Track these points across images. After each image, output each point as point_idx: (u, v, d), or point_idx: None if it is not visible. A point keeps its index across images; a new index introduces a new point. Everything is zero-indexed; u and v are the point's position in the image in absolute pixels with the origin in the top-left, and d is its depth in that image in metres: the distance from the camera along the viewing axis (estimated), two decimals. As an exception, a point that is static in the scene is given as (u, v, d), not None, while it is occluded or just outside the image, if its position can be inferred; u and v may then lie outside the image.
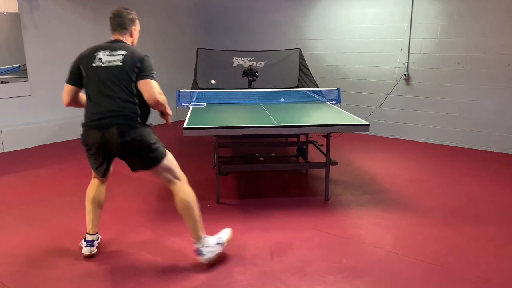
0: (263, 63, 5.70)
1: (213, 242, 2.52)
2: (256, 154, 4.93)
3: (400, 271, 2.52)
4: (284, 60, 5.74)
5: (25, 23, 5.41)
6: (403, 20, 5.74)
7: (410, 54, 5.76)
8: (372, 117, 6.10)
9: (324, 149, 3.73)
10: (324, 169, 3.64)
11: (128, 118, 2.34)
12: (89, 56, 2.44)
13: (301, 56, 5.66)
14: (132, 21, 2.56)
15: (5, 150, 5.21)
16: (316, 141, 4.36)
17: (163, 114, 2.55)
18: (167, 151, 2.48)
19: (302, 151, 4.55)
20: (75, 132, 5.98)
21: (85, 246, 2.62)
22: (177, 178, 2.49)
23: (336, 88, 4.48)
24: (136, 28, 2.60)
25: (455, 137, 5.58)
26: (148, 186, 3.93)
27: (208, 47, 6.37)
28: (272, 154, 5.09)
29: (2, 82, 5.36)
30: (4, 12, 5.30)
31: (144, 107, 2.42)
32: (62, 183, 4.03)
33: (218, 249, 2.53)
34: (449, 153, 5.23)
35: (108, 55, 2.40)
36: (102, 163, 2.51)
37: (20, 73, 5.49)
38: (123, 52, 2.40)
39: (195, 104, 4.12)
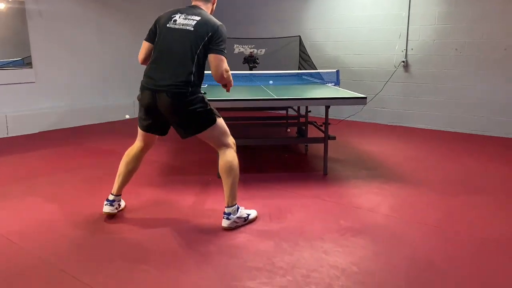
0: (263, 50, 5.79)
1: (241, 215, 2.60)
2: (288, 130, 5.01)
3: (398, 231, 2.58)
4: (284, 47, 5.83)
5: (30, 11, 5.51)
6: (401, 8, 5.82)
7: (408, 41, 5.83)
8: (371, 104, 6.16)
9: (324, 128, 3.79)
10: (323, 144, 3.70)
11: (181, 86, 2.36)
12: (166, 17, 2.49)
13: (301, 43, 5.74)
14: None
15: (10, 135, 5.29)
16: (315, 122, 4.43)
17: (225, 85, 2.58)
18: (218, 117, 2.52)
19: (302, 132, 4.62)
20: (78, 119, 6.16)
21: (105, 205, 2.68)
22: (225, 145, 2.56)
23: (335, 70, 4.56)
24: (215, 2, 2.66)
25: (454, 122, 5.64)
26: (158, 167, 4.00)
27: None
28: (288, 130, 5.18)
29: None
30: (9, 0, 5.40)
31: (200, 75, 2.44)
32: (67, 162, 4.10)
33: (241, 223, 2.59)
34: (448, 138, 5.29)
35: (183, 18, 2.44)
36: (151, 124, 2.57)
37: (23, 66, 5.57)
38: (197, 18, 2.43)
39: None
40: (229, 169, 2.51)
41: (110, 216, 2.71)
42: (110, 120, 6.38)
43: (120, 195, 2.74)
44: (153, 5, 6.88)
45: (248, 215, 2.65)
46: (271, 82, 4.40)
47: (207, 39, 2.38)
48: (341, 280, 2.01)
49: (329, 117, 3.67)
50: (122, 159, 2.70)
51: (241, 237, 2.47)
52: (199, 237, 2.48)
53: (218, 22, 2.44)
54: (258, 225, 2.63)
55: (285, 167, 3.97)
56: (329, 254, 2.26)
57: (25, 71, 5.56)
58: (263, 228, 2.59)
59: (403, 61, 5.88)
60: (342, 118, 6.21)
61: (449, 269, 2.12)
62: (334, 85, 4.53)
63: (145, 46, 2.57)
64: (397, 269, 2.12)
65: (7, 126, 5.28)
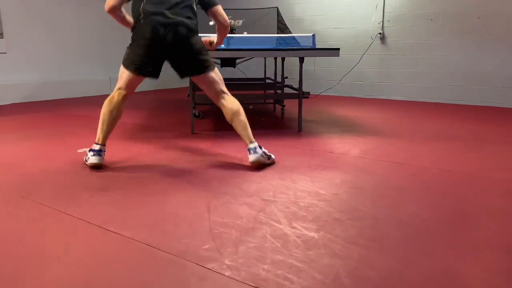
0: (240, 21, 5.74)
1: (265, 151, 2.60)
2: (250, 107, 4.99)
3: (366, 167, 2.58)
4: (261, 18, 5.79)
5: (1, -21, 5.37)
6: (377, -20, 5.86)
7: (385, 13, 5.87)
8: (348, 78, 6.20)
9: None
10: (297, 100, 3.69)
11: (190, 24, 2.48)
12: None
13: (278, 14, 5.72)
14: None
15: (-20, 106, 5.15)
16: (291, 84, 4.42)
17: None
18: (216, 67, 2.64)
19: (278, 97, 4.60)
20: (52, 92, 6.04)
21: (92, 155, 2.50)
22: (224, 92, 2.64)
23: (310, 34, 4.55)
24: None
25: (431, 93, 5.70)
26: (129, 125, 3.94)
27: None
28: (250, 107, 5.15)
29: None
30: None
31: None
32: (36, 123, 4.01)
33: (266, 160, 2.56)
34: (425, 108, 5.34)
35: None
36: (149, 64, 2.50)
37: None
38: None
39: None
40: (236, 113, 2.58)
41: (97, 167, 2.51)
42: (85, 95, 6.28)
43: (105, 144, 2.57)
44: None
45: (270, 154, 2.64)
46: (245, 33, 4.38)
47: None
48: (306, 199, 2.00)
49: (304, 91, 3.67)
50: (104, 107, 2.55)
51: (213, 172, 2.44)
52: (172, 171, 2.44)
53: None
54: (229, 165, 2.61)
55: (261, 127, 3.95)
56: (297, 182, 2.25)
57: (-4, 41, 5.42)
58: (235, 167, 2.57)
59: (380, 33, 5.92)
60: (318, 93, 6.22)
61: (410, 188, 2.13)
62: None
63: None
64: (362, 191, 2.12)
65: (-23, 96, 5.14)
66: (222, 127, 3.88)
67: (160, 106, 5.33)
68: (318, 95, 6.23)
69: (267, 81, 5.59)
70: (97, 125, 2.55)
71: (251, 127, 2.58)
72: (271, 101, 5.20)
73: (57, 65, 6.08)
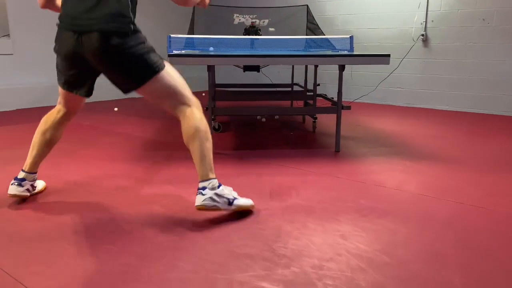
0: (266, 21, 5.19)
1: (223, 193, 1.83)
2: (258, 117, 4.45)
3: (431, 211, 1.99)
4: (290, 17, 5.23)
5: (7, -26, 4.95)
6: (421, -25, 5.22)
7: (428, 12, 5.22)
8: (384, 84, 5.58)
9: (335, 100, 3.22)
10: (334, 122, 3.12)
11: (117, 21, 1.71)
12: None
13: (308, 13, 5.14)
14: None
15: (-17, 111, 4.74)
16: (325, 94, 3.85)
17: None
18: (166, 63, 1.85)
19: (312, 112, 4.03)
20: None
21: (11, 184, 2.01)
22: (185, 103, 1.85)
23: (348, 36, 3.97)
24: None
25: (479, 103, 5.04)
26: (134, 139, 3.43)
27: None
28: (276, 116, 4.60)
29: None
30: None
31: (134, 6, 1.78)
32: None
33: (222, 205, 1.83)
34: (473, 119, 4.69)
35: None
36: (73, 79, 1.91)
37: None
38: None
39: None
40: (196, 132, 1.80)
41: (20, 200, 2.05)
42: (96, 100, 5.82)
43: (35, 172, 2.07)
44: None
45: (235, 198, 1.87)
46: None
47: None
48: (368, 273, 1.43)
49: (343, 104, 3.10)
50: (38, 127, 2.09)
51: (229, 217, 1.89)
52: (170, 218, 1.91)
53: None
54: (255, 204, 2.05)
55: (290, 145, 3.39)
56: (349, 239, 1.68)
57: (1, 41, 5.00)
58: (262, 207, 2.02)
59: (422, 35, 5.27)
60: (351, 100, 5.62)
61: (503, 251, 1.54)
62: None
63: None
64: (442, 259, 1.53)
65: (-21, 102, 4.73)
66: (247, 141, 3.33)
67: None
68: (351, 102, 5.62)
69: (295, 87, 5.04)
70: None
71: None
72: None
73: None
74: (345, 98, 5.77)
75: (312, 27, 5.02)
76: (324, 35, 4.76)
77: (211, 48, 4.12)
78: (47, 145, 2.07)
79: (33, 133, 2.11)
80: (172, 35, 3.80)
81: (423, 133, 3.87)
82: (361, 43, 5.76)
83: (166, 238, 1.68)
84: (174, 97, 1.84)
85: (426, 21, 5.24)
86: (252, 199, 2.00)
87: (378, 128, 4.07)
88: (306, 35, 5.24)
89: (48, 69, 5.40)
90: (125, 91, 1.84)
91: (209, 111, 3.07)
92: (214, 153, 2.00)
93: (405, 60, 5.45)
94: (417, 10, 5.26)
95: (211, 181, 1.81)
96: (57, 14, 1.87)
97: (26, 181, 2.03)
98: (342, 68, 2.95)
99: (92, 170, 2.59)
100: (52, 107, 2.18)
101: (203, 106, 2.04)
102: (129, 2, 1.74)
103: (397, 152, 3.12)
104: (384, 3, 5.53)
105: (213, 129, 3.19)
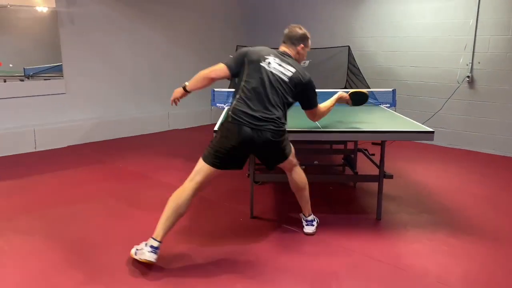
0: (307, 62, 5.20)
1: (318, 223, 2.92)
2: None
3: (476, 319, 1.97)
4: (331, 58, 5.23)
5: (62, 19, 5.23)
6: (468, 15, 5.08)
7: (475, 53, 5.09)
8: (429, 123, 5.45)
9: (376, 158, 3.22)
10: (377, 183, 3.12)
11: (278, 125, 2.47)
12: (258, 54, 2.52)
13: (350, 54, 5.13)
14: (302, 39, 2.66)
15: (38, 149, 5.03)
16: (366, 149, 3.83)
17: None
18: (291, 146, 2.70)
19: (350, 160, 4.03)
20: (109, 132, 5.82)
21: (148, 252, 2.31)
22: (295, 165, 2.76)
23: (391, 89, 3.94)
24: (305, 48, 2.70)
25: (528, 148, 4.86)
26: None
27: (249, 44, 5.96)
28: (315, 162, 4.60)
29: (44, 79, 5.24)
30: (42, 8, 5.15)
31: (285, 115, 2.58)
32: (85, 188, 3.74)
33: (316, 227, 2.88)
34: (522, 167, 4.53)
35: (277, 64, 2.51)
36: (234, 160, 2.50)
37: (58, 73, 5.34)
38: (292, 70, 2.53)
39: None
40: (304, 184, 2.79)
41: (148, 266, 2.34)
42: (144, 133, 6.04)
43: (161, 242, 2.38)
44: (191, 14, 6.47)
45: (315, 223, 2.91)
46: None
47: (300, 88, 2.56)
48: None
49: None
50: (171, 201, 2.39)
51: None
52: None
53: (308, 75, 2.59)
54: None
55: (330, 206, 3.41)
56: None
57: (56, 81, 5.30)
58: (303, 306, 2.06)
59: (468, 76, 5.14)
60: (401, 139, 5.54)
61: None
62: (389, 107, 3.92)
63: (222, 69, 2.54)
64: None
65: (35, 140, 5.03)
66: (288, 203, 3.38)
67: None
68: (391, 142, 5.55)
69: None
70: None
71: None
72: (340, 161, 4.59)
73: (114, 103, 5.90)
74: (386, 136, 5.70)
75: (354, 70, 5.00)
76: (366, 81, 4.73)
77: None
78: (178, 218, 2.41)
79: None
80: (215, 89, 3.92)
81: (468, 189, 3.78)
82: (403, 81, 5.68)
83: None
84: (292, 163, 2.73)
85: (472, 63, 5.10)
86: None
87: (420, 181, 4.01)
88: (347, 75, 5.23)
89: (97, 107, 5.70)
90: (271, 168, 2.72)
91: (250, 175, 3.13)
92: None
93: (450, 101, 5.33)
94: (463, 51, 5.14)
95: (312, 215, 2.92)
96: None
97: (159, 249, 2.34)
98: (383, 143, 2.95)
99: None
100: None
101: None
102: (283, 111, 2.53)
103: (442, 223, 3.07)
104: (429, 42, 5.42)
105: (254, 182, 3.24)
